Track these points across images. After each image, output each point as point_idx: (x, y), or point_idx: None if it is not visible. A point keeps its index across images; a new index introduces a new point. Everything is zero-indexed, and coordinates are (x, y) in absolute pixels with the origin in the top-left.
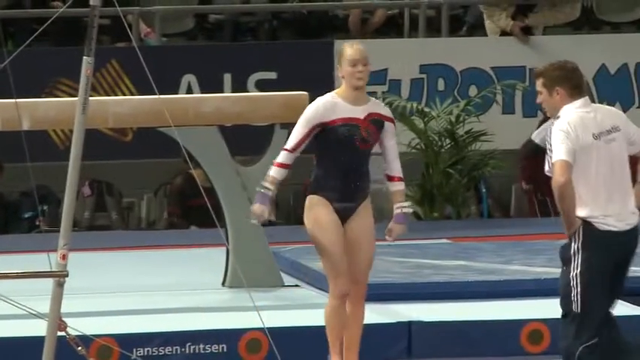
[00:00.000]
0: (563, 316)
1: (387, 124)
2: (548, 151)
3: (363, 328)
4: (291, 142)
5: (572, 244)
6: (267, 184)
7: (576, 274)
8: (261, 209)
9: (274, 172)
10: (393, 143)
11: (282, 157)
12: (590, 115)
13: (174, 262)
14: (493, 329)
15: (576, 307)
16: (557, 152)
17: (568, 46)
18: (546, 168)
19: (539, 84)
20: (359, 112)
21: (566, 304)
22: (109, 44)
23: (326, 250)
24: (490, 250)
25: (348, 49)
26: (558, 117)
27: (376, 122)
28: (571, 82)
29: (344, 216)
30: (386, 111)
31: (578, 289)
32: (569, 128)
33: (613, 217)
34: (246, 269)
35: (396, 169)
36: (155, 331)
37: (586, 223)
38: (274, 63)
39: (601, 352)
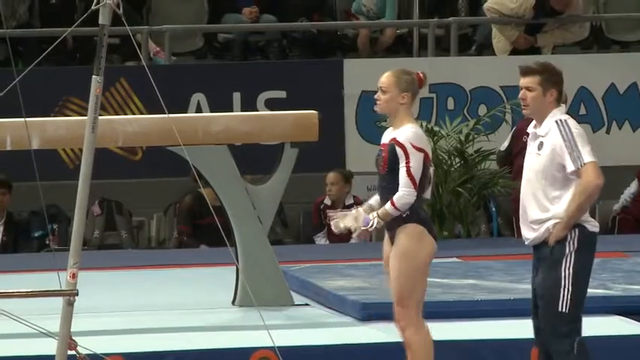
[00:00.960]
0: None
1: (396, 147)
2: (570, 151)
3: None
4: None
5: (567, 244)
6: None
7: (569, 274)
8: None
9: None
10: (399, 167)
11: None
12: None
13: (184, 281)
14: (503, 348)
15: (564, 306)
16: (587, 154)
17: (577, 66)
18: (569, 169)
19: (532, 81)
20: (387, 137)
21: (551, 305)
22: (119, 63)
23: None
24: (500, 268)
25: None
26: (563, 120)
27: (390, 147)
28: (561, 88)
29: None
30: (402, 136)
31: (570, 289)
32: (583, 132)
33: (594, 220)
34: (256, 288)
35: (395, 195)
36: (165, 350)
37: (580, 225)
38: (284, 82)
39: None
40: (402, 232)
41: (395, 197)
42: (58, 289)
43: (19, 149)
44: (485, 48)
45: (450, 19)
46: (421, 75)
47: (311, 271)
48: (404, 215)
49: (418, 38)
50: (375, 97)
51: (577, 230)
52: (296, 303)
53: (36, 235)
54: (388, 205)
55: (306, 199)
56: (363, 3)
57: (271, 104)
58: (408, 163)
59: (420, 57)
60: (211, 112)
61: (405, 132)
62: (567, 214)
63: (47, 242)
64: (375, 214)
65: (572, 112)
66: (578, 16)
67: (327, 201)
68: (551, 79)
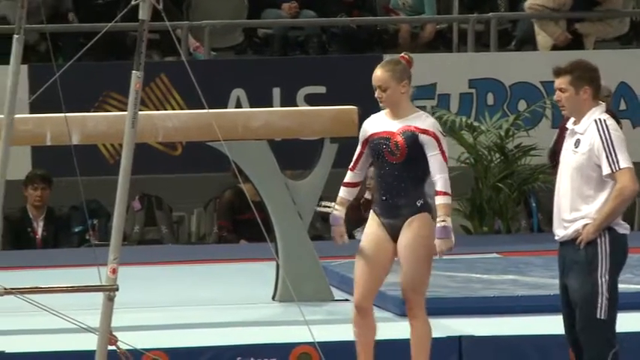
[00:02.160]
0: (583, 327)
1: (421, 136)
2: (607, 154)
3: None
4: (352, 161)
5: (599, 248)
6: (336, 205)
7: (605, 280)
8: (336, 232)
9: (341, 191)
10: (433, 155)
11: (346, 176)
12: None
13: (224, 276)
14: (543, 344)
15: (602, 313)
16: (623, 159)
17: (617, 61)
18: (605, 171)
19: (564, 81)
20: (394, 125)
21: (588, 312)
22: (159, 58)
23: (356, 260)
24: (540, 264)
25: (375, 71)
26: (602, 120)
27: (407, 134)
28: (597, 83)
29: (393, 233)
30: (423, 123)
31: (607, 295)
32: (621, 134)
33: (625, 222)
34: (296, 283)
35: (439, 183)
36: (205, 345)
37: (611, 227)
38: (323, 77)
39: None
40: (418, 220)
41: (442, 187)
42: (99, 284)
43: (60, 144)
44: (525, 43)
45: (490, 14)
46: (407, 57)
47: (351, 266)
48: (418, 204)
49: (458, 33)
50: (377, 96)
51: (608, 233)
52: (336, 298)
53: (76, 230)
54: (445, 198)
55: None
56: None
57: (311, 99)
58: (442, 150)
59: (459, 52)
60: (251, 107)
61: (425, 120)
62: (600, 217)
63: (87, 237)
64: (443, 218)
65: (612, 107)
66: (617, 10)
67: (368, 195)
68: (583, 76)
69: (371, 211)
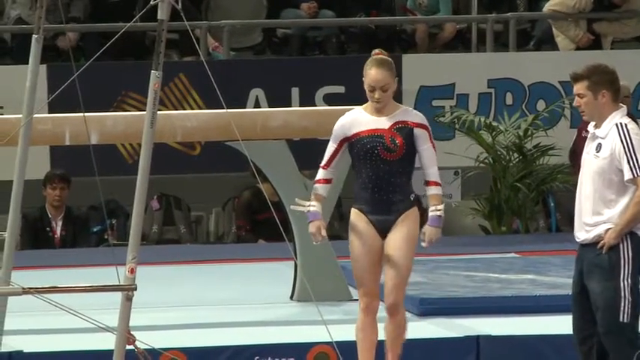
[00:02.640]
0: (608, 331)
1: (415, 130)
2: (629, 159)
3: (401, 343)
4: (324, 159)
5: (622, 252)
6: (312, 202)
7: (628, 284)
8: (315, 227)
9: (315, 189)
10: (426, 148)
11: (318, 173)
12: None
13: (242, 275)
14: (561, 343)
15: (625, 316)
16: None
17: (636, 61)
18: (627, 176)
19: (581, 86)
20: (384, 123)
21: (611, 316)
22: (177, 58)
23: (353, 263)
24: (559, 264)
25: (368, 71)
26: (623, 124)
27: (402, 130)
28: (615, 86)
29: (382, 229)
30: (415, 117)
31: (630, 298)
32: None
33: None
34: (314, 283)
35: (432, 174)
36: (223, 345)
37: (633, 232)
38: (342, 77)
39: None
40: (412, 215)
41: (436, 177)
42: (117, 283)
43: (78, 144)
44: (544, 43)
45: (509, 14)
46: (383, 52)
47: None
48: (412, 198)
49: (477, 33)
50: (376, 97)
51: (630, 237)
52: (354, 298)
53: (95, 229)
54: (438, 189)
55: None
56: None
57: (330, 99)
58: (432, 140)
59: (478, 52)
60: (269, 107)
61: (415, 114)
62: (621, 223)
63: (106, 237)
64: (438, 207)
65: (631, 107)
66: (636, 10)
67: None
68: (601, 80)
69: (353, 209)
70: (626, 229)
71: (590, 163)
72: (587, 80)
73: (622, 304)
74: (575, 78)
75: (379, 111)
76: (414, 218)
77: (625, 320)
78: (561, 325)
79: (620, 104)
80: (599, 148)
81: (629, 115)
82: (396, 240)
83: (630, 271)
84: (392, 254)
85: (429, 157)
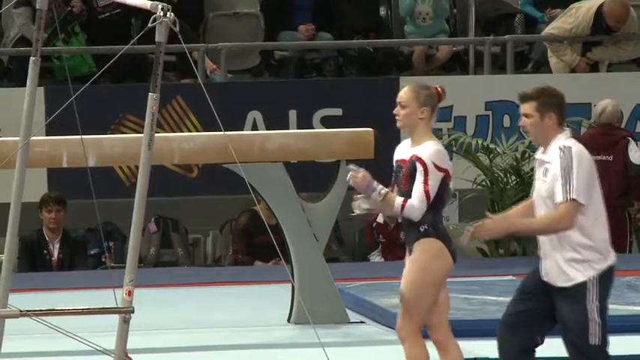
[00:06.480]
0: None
1: (415, 163)
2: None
3: None
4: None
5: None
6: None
7: (597, 306)
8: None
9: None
10: (416, 183)
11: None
12: None
13: (239, 298)
14: None
15: (596, 339)
16: (579, 192)
17: (633, 84)
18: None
19: (529, 107)
20: (408, 153)
21: (582, 339)
22: (175, 81)
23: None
24: None
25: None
26: (566, 146)
27: (411, 163)
28: (562, 109)
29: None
30: (424, 152)
31: (599, 321)
32: (587, 162)
33: (613, 252)
34: (311, 306)
35: (410, 201)
36: None
37: (598, 267)
38: (340, 99)
39: None
40: (420, 245)
41: (409, 202)
42: (114, 306)
43: (76, 167)
44: (542, 65)
45: (507, 36)
46: (439, 89)
47: (367, 288)
48: (421, 229)
49: (474, 56)
50: (394, 112)
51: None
52: (352, 321)
53: (92, 252)
54: (399, 200)
55: (361, 216)
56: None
57: (327, 122)
58: (426, 181)
59: (475, 74)
60: (267, 129)
61: (427, 149)
62: (522, 225)
63: (103, 260)
64: (382, 188)
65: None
66: (633, 34)
67: (380, 219)
68: (548, 102)
69: None
70: (516, 231)
71: (540, 187)
72: (536, 101)
73: (590, 327)
74: (524, 98)
75: (411, 140)
76: (424, 248)
77: (596, 343)
78: (559, 348)
79: (565, 127)
80: (545, 172)
81: (627, 131)
82: (404, 271)
83: (598, 295)
84: (401, 285)
85: (414, 191)
